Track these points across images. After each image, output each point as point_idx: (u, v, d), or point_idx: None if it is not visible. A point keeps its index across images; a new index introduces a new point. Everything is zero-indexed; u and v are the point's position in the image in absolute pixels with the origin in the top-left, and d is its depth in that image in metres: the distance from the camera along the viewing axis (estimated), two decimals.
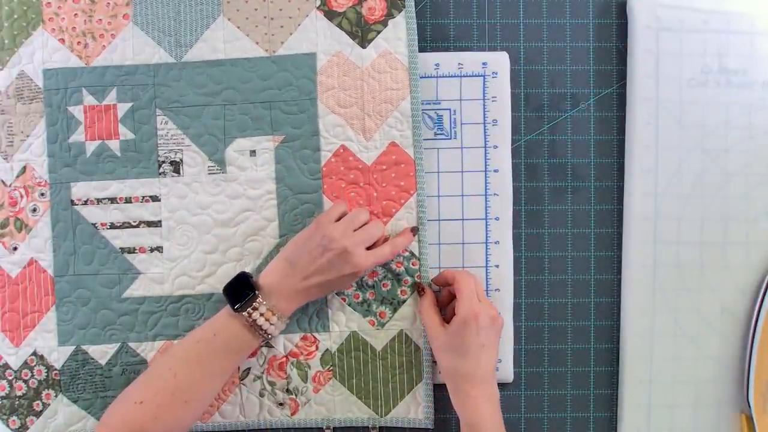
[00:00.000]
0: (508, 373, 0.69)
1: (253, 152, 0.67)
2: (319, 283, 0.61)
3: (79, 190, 0.67)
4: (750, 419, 0.66)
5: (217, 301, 0.67)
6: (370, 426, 0.68)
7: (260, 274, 0.63)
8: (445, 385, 0.67)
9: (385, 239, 0.66)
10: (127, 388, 0.60)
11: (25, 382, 0.67)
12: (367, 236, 0.63)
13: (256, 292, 0.60)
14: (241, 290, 0.60)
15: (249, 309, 0.59)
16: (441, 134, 0.68)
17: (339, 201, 0.66)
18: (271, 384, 0.68)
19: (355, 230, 0.63)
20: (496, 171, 0.68)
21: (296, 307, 0.63)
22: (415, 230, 0.66)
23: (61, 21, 0.67)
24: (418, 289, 0.66)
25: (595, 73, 0.69)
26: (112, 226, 0.67)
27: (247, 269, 0.67)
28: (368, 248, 0.63)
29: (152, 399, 0.58)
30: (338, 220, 0.63)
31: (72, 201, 0.67)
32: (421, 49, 0.67)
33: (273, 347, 0.67)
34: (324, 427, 0.68)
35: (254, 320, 0.59)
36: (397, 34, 0.66)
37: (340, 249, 0.60)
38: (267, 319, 0.60)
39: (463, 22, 0.69)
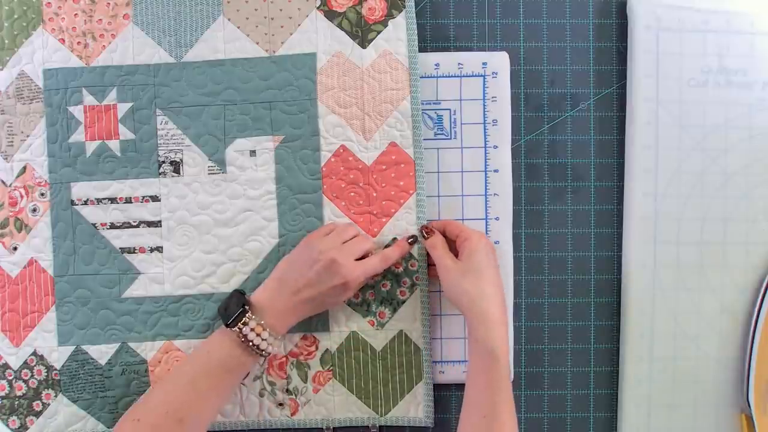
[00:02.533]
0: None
1: (253, 152, 0.67)
2: (310, 297, 0.61)
3: (79, 190, 0.67)
4: (750, 419, 0.66)
5: (218, 300, 0.67)
6: (370, 426, 0.68)
7: (253, 292, 0.63)
8: (445, 385, 0.67)
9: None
10: (134, 403, 0.60)
11: (25, 382, 0.67)
12: (356, 248, 0.63)
13: (246, 307, 0.60)
14: (234, 308, 0.61)
15: (240, 324, 0.59)
16: (441, 134, 0.68)
17: (330, 222, 0.66)
18: (271, 384, 0.68)
19: (343, 244, 0.63)
20: (496, 171, 0.68)
21: (288, 325, 0.63)
22: (413, 240, 0.65)
23: (61, 21, 0.67)
24: (425, 231, 0.65)
25: (595, 73, 0.69)
26: (112, 226, 0.67)
27: (247, 269, 0.67)
28: (358, 261, 0.63)
29: (147, 417, 0.57)
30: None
31: (72, 201, 0.67)
32: (421, 49, 0.67)
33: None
34: (324, 427, 0.68)
35: (245, 335, 0.59)
36: (397, 35, 0.66)
37: (327, 260, 0.60)
38: (258, 334, 0.59)
39: (463, 22, 0.69)
